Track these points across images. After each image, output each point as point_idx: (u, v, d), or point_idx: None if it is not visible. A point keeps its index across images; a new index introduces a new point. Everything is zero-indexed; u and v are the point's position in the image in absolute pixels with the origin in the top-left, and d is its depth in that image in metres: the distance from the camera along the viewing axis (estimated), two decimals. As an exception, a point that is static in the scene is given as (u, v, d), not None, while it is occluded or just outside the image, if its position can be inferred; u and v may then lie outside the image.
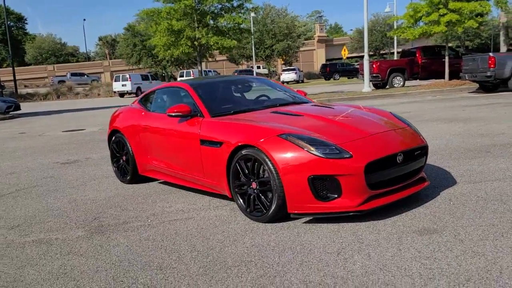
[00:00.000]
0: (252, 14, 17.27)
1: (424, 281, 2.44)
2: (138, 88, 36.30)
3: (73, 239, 3.64)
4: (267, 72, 53.47)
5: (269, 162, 3.43)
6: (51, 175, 6.29)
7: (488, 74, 14.92)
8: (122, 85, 35.61)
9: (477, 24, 18.08)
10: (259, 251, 3.07)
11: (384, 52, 63.06)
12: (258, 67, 56.84)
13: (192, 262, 2.97)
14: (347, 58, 56.94)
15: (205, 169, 4.14)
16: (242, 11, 17.15)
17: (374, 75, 21.94)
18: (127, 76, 35.97)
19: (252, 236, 3.36)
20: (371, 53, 66.98)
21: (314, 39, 72.19)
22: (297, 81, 48.84)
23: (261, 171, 3.59)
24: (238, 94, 5.09)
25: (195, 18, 16.47)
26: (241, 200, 3.80)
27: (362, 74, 24.15)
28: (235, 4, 16.83)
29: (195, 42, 16.33)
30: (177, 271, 2.86)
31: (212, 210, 4.10)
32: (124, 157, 5.42)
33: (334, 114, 4.16)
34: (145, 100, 5.42)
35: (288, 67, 52.87)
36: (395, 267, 2.63)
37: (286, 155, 3.36)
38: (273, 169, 3.41)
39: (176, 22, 15.80)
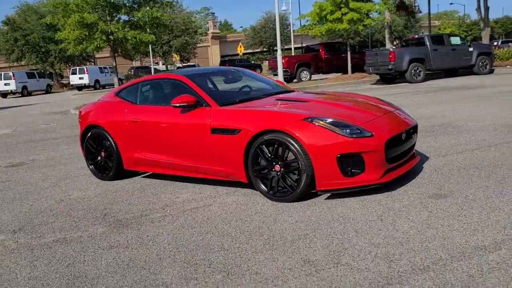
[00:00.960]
0: (168, 9, 16.91)
1: (471, 232, 2.91)
2: (24, 87, 33.30)
3: (100, 234, 3.53)
4: (165, 69, 52.49)
5: (296, 145, 3.67)
6: (6, 179, 5.78)
7: (390, 67, 16.60)
8: (5, 84, 32.33)
9: (373, 23, 19.90)
10: (307, 225, 3.31)
11: (277, 49, 65.44)
12: (157, 63, 55.60)
13: (251, 241, 3.12)
14: (243, 54, 58.21)
15: (216, 157, 4.23)
16: (157, 5, 16.81)
17: (283, 69, 22.98)
18: (10, 74, 32.73)
19: (289, 214, 3.59)
20: (265, 49, 69.43)
21: (207, 35, 72.40)
22: (200, 78, 48.33)
23: (285, 154, 3.81)
24: (233, 84, 5.21)
25: (108, 11, 15.75)
26: (261, 184, 3.98)
27: (272, 69, 25.11)
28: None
29: (110, 37, 15.63)
30: (243, 249, 2.99)
31: (225, 197, 4.21)
32: (103, 153, 5.22)
33: (335, 100, 4.53)
34: (127, 93, 5.26)
35: (188, 63, 52.44)
36: (439, 225, 3.07)
37: (315, 137, 3.64)
38: (301, 151, 3.66)
39: (88, 15, 14.96)
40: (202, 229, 3.43)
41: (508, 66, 20.17)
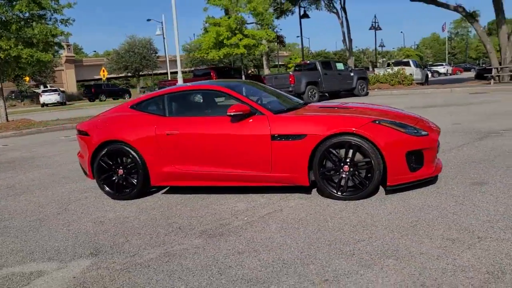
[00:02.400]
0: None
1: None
2: None
3: (202, 245, 3.39)
4: (28, 95, 47.65)
5: (370, 145, 4.04)
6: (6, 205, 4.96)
7: (290, 89, 17.90)
8: None
9: (267, 49, 21.27)
10: (411, 215, 3.67)
11: (144, 73, 63.93)
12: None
13: (378, 234, 3.36)
14: (106, 79, 55.73)
15: (275, 163, 4.34)
16: (50, 22, 15.54)
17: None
18: None
19: (368, 211, 3.87)
20: (129, 74, 67.36)
21: (61, 59, 67.42)
22: (61, 103, 43.77)
23: (354, 155, 4.14)
24: (253, 97, 5.32)
25: (-4, 27, 14.08)
26: (328, 185, 4.23)
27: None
28: (43, 14, 15.10)
29: (1, 54, 13.91)
30: (380, 243, 3.23)
31: (283, 202, 4.32)
32: (121, 171, 4.86)
33: (372, 108, 5.03)
34: (149, 106, 5.01)
35: (50, 88, 48.10)
36: (503, 206, 3.70)
37: (387, 137, 4.05)
38: (375, 150, 4.04)
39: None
40: (307, 233, 3.51)
41: (376, 89, 23.17)
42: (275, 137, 4.29)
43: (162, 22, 40.70)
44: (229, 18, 21.31)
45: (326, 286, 2.59)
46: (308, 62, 22.00)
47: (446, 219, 3.48)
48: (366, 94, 20.62)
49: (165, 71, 51.40)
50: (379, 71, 26.25)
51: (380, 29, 50.31)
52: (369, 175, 4.11)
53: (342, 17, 31.40)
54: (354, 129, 4.08)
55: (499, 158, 5.41)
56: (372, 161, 4.05)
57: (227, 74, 25.49)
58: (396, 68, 25.70)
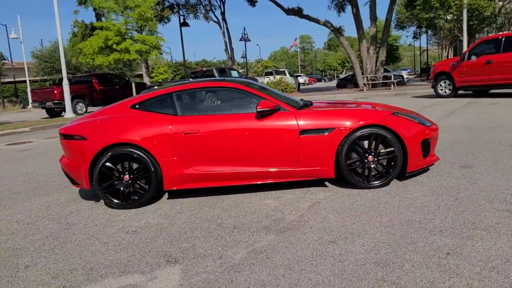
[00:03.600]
0: None
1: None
2: None
3: (282, 240, 3.36)
4: None
5: (394, 136, 4.40)
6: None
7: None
8: None
9: (159, 54, 20.75)
10: (437, 196, 4.10)
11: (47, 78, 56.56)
12: None
13: (438, 211, 3.70)
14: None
15: (302, 158, 4.43)
16: None
17: (56, 101, 20.97)
18: None
19: (404, 195, 4.25)
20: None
21: None
22: None
23: (376, 146, 4.45)
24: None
25: None
26: (354, 176, 4.47)
27: (38, 101, 22.22)
28: None
29: None
30: (450, 217, 3.58)
31: (310, 195, 4.42)
32: (126, 177, 4.44)
33: (365, 102, 5.38)
34: (156, 105, 4.63)
35: None
36: (491, 179, 4.41)
37: (407, 128, 4.45)
38: (397, 140, 4.41)
39: None
40: (372, 213, 3.73)
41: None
42: (303, 131, 4.38)
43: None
44: (116, 22, 20.25)
45: (452, 258, 2.81)
46: (204, 69, 22.05)
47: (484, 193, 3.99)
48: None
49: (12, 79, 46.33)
50: (263, 79, 27.48)
51: (249, 40, 52.78)
52: (392, 163, 4.45)
53: (223, 27, 32.15)
54: (379, 121, 4.38)
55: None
56: (396, 151, 4.40)
57: (110, 81, 24.12)
58: (278, 77, 27.22)
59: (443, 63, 15.21)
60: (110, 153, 4.37)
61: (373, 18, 28.60)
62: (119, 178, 4.44)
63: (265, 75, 31.06)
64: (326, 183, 4.81)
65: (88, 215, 4.37)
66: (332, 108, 4.73)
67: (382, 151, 4.46)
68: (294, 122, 4.40)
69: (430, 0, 21.45)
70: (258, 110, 4.34)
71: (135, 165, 4.43)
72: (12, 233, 3.99)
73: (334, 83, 46.59)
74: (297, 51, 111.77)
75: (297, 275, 2.74)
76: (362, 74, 28.05)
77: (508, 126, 7.60)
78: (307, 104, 4.97)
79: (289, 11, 28.92)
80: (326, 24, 29.31)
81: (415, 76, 52.04)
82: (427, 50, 62.23)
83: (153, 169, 4.39)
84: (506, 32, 18.69)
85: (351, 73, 48.66)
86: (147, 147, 4.36)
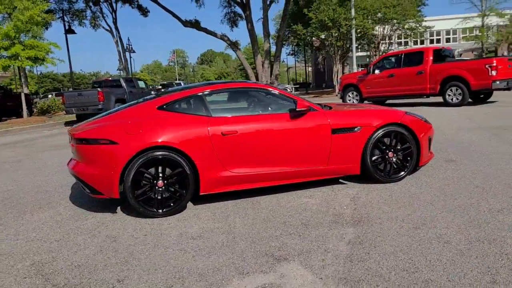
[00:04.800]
0: None
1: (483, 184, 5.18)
2: None
3: (382, 230, 3.54)
4: None
5: (410, 133, 4.84)
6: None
7: (100, 106, 16.66)
8: None
9: (55, 63, 19.06)
10: (464, 179, 4.64)
11: None
12: None
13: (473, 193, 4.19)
14: None
15: (332, 156, 4.62)
16: None
17: None
18: None
19: (433, 184, 4.71)
20: None
21: None
22: None
23: (396, 143, 4.85)
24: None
25: None
26: (377, 171, 4.81)
27: None
28: None
29: None
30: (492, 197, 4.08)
31: (337, 192, 4.62)
32: (161, 182, 4.17)
33: (364, 104, 5.77)
34: (189, 105, 4.41)
35: None
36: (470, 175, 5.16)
37: (419, 126, 4.92)
38: (413, 138, 4.86)
39: None
40: (428, 199, 4.08)
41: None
42: (335, 130, 4.58)
43: None
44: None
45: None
46: (110, 78, 20.76)
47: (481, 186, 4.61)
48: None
49: None
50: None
51: (134, 51, 51.13)
52: (408, 158, 4.87)
53: (116, 36, 30.69)
54: (398, 120, 4.79)
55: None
56: (412, 147, 4.84)
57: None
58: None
59: (350, 76, 16.68)
60: (144, 158, 4.05)
61: (266, 34, 30.05)
62: (154, 184, 4.13)
63: (160, 87, 30.39)
64: (340, 180, 5.04)
65: (122, 226, 3.97)
66: (356, 108, 5.02)
67: (399, 147, 4.85)
68: (326, 121, 4.57)
69: (324, 20, 23.30)
70: (297, 109, 4.43)
71: (170, 169, 4.16)
72: (70, 248, 3.47)
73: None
74: (172, 65, 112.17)
75: (418, 258, 2.91)
76: (258, 87, 28.99)
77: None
78: (327, 106, 5.18)
79: (186, 23, 28.89)
80: (223, 37, 29.92)
81: (294, 89, 55.73)
82: (295, 67, 67.08)
83: (191, 173, 4.18)
84: (405, 49, 21.16)
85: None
86: (185, 150, 4.14)
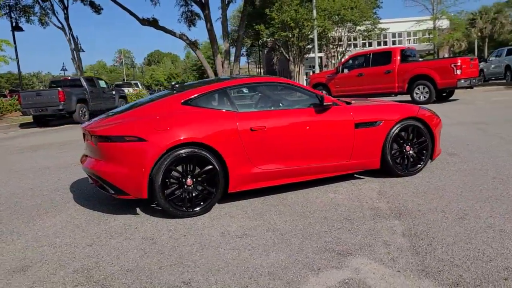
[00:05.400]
0: None
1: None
2: None
3: (431, 220, 3.56)
4: None
5: (426, 126, 4.92)
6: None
7: (60, 107, 15.88)
8: None
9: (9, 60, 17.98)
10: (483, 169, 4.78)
11: None
12: None
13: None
14: None
15: (355, 150, 4.61)
16: None
17: None
18: None
19: (450, 178, 4.81)
20: None
21: None
22: None
23: (413, 137, 4.92)
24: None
25: None
26: (397, 164, 4.85)
27: None
28: None
29: None
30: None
31: (359, 185, 4.65)
32: (190, 180, 3.99)
33: (372, 99, 5.81)
34: (214, 101, 4.22)
35: None
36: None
37: (432, 120, 5.01)
38: (428, 131, 4.95)
39: None
40: (462, 187, 4.16)
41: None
42: (358, 125, 4.58)
43: None
44: None
45: None
46: (69, 77, 19.77)
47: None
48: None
49: None
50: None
51: (84, 51, 49.22)
52: (424, 151, 4.96)
53: (68, 34, 29.34)
54: (415, 114, 4.86)
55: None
56: (427, 140, 4.94)
57: None
58: (137, 89, 26.15)
59: (320, 75, 16.90)
60: (174, 155, 3.84)
61: (226, 34, 29.89)
62: (183, 183, 3.94)
63: (116, 86, 29.44)
64: (355, 175, 5.06)
65: (152, 228, 3.75)
66: (374, 104, 5.03)
67: (415, 141, 4.92)
68: (350, 116, 4.56)
69: (286, 20, 23.49)
70: (325, 104, 4.38)
71: (200, 167, 3.99)
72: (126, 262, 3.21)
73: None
74: (117, 66, 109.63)
75: (484, 247, 2.94)
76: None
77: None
78: (346, 101, 5.16)
79: (144, 22, 28.12)
80: (182, 36, 29.41)
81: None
82: (249, 68, 67.68)
83: (221, 170, 4.02)
84: (373, 49, 21.70)
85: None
86: (215, 146, 3.98)
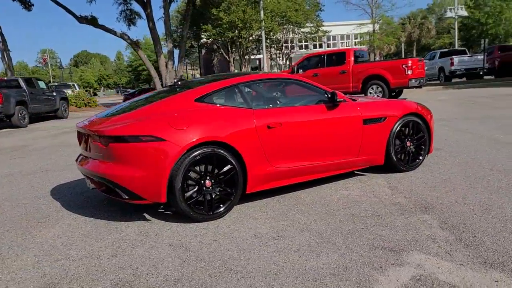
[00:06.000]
0: None
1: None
2: None
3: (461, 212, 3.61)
4: None
5: (424, 122, 5.04)
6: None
7: (-1, 110, 14.63)
8: None
9: None
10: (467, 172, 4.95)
11: None
12: None
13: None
14: None
15: (363, 147, 4.60)
16: None
17: None
18: None
19: (451, 170, 4.95)
20: None
21: None
22: None
23: (413, 133, 5.00)
24: None
25: None
26: (399, 160, 4.91)
27: None
28: None
29: None
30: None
31: (370, 181, 4.67)
32: (209, 182, 3.77)
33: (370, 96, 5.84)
34: (227, 98, 4.03)
35: None
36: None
37: (428, 115, 5.14)
38: (426, 126, 5.07)
39: None
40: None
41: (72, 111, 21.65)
42: (366, 121, 4.59)
43: None
44: None
45: None
46: (5, 78, 18.19)
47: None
48: (67, 117, 19.17)
49: None
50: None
51: (10, 50, 46.00)
52: (422, 146, 5.06)
53: (-3, 31, 27.08)
54: (415, 110, 4.96)
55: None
56: (425, 136, 5.05)
57: None
58: (76, 90, 24.81)
59: (274, 75, 16.95)
60: (194, 155, 3.60)
61: (169, 33, 29.23)
62: (202, 185, 3.70)
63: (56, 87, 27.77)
64: (355, 172, 5.07)
65: (175, 234, 3.49)
66: (376, 100, 5.05)
67: (414, 136, 5.01)
68: (358, 113, 4.54)
69: (235, 20, 23.39)
70: (338, 100, 4.33)
71: (219, 167, 3.77)
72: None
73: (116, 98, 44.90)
74: (40, 67, 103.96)
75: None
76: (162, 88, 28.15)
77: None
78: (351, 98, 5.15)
79: (81, 19, 26.72)
80: (123, 36, 28.31)
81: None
82: (186, 70, 66.91)
83: (240, 170, 3.84)
84: (328, 49, 22.06)
85: (140, 88, 48.05)
86: (234, 145, 3.78)
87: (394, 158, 4.81)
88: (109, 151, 3.58)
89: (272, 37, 25.54)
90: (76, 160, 4.33)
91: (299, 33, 27.67)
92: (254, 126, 3.91)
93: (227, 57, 37.29)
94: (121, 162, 3.56)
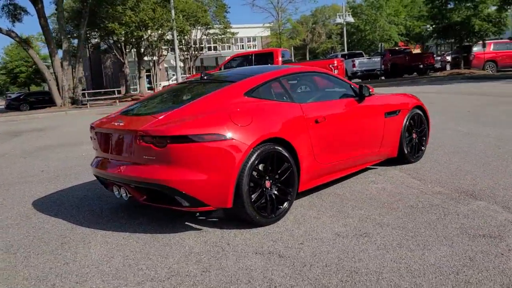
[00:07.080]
0: None
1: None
2: None
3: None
4: None
5: (424, 115, 5.24)
6: None
7: None
8: None
9: None
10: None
11: None
12: None
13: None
14: None
15: (385, 139, 4.62)
16: None
17: None
18: None
19: (455, 161, 5.19)
20: None
21: None
22: None
23: (417, 125, 5.16)
24: None
25: None
26: (410, 152, 5.02)
27: None
28: None
29: None
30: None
31: (386, 172, 4.74)
32: (268, 182, 3.47)
33: None
34: (272, 91, 3.73)
35: None
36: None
37: (426, 108, 5.37)
38: (426, 118, 5.28)
39: None
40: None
41: None
42: (386, 113, 4.63)
43: None
44: None
45: None
46: None
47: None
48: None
49: None
50: None
51: None
52: (423, 138, 5.26)
53: None
54: (419, 103, 5.14)
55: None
56: (425, 128, 5.26)
57: None
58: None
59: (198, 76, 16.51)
60: (259, 154, 3.27)
61: (64, 31, 26.99)
62: (263, 185, 3.39)
63: None
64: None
65: (247, 241, 3.14)
66: (390, 94, 5.11)
67: (417, 128, 5.17)
68: (381, 105, 4.56)
69: (145, 19, 22.31)
70: (371, 93, 4.29)
71: (277, 165, 3.49)
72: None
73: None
74: None
75: None
76: (59, 91, 25.97)
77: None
78: None
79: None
80: (10, 33, 25.43)
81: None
82: (72, 71, 62.67)
83: (296, 168, 3.60)
84: (253, 50, 21.88)
85: (24, 92, 43.34)
86: (291, 141, 3.54)
87: (406, 150, 4.91)
88: (166, 153, 3.07)
89: (184, 37, 24.91)
90: (92, 165, 3.68)
91: (207, 34, 27.39)
92: (305, 121, 3.69)
93: (121, 58, 35.50)
94: (181, 165, 3.08)
